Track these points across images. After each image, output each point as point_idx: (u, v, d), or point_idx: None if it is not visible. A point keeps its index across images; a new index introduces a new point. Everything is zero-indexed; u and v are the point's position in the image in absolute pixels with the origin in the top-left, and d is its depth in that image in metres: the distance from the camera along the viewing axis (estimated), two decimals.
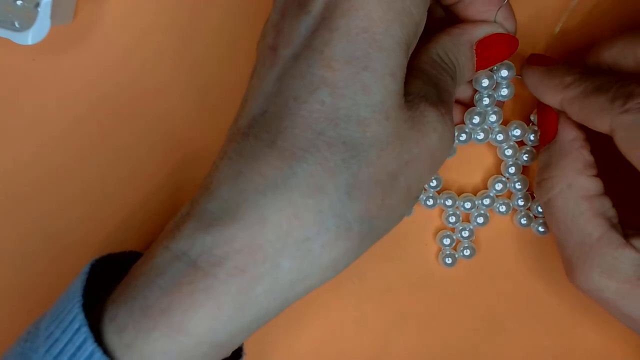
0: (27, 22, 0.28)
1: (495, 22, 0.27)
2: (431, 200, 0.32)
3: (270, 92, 0.23)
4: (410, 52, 0.24)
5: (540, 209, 0.32)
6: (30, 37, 0.28)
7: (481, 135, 0.31)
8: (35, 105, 0.31)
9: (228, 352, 0.24)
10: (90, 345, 0.21)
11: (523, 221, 0.32)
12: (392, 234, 0.31)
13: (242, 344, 0.26)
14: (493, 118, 0.31)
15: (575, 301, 0.32)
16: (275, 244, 0.22)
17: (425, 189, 0.32)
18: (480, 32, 0.27)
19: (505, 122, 0.31)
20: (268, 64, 0.24)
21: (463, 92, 0.30)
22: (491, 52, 0.27)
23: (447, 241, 0.32)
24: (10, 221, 0.31)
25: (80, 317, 0.22)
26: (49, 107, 0.31)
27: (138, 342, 0.22)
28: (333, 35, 0.22)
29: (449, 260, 0.32)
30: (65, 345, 0.22)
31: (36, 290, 0.31)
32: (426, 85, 0.25)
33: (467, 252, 0.32)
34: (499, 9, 0.27)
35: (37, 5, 0.28)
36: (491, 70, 0.29)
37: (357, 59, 0.22)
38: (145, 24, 0.31)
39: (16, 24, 0.29)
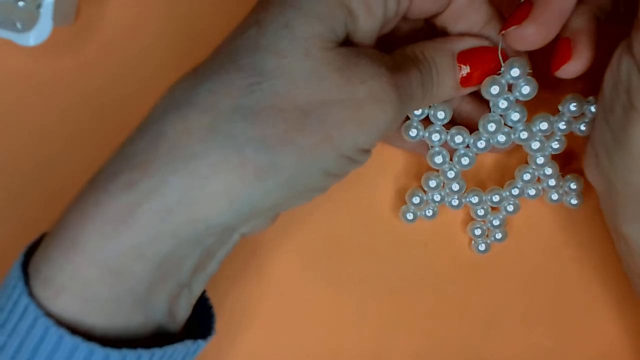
0: (29, 23, 0.28)
1: (483, 36, 0.26)
2: (456, 201, 0.30)
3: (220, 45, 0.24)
4: (365, 25, 0.24)
5: (573, 185, 0.30)
6: (32, 38, 0.28)
7: (503, 138, 0.28)
8: (37, 106, 0.31)
9: (133, 291, 0.22)
10: (33, 311, 0.21)
11: (554, 197, 0.30)
12: (417, 231, 0.31)
13: (213, 323, 0.25)
14: (515, 117, 0.27)
15: (588, 297, 0.32)
16: (166, 159, 0.21)
17: (449, 193, 0.30)
18: (464, 43, 0.26)
19: (529, 117, 0.28)
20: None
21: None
22: (473, 65, 0.26)
23: (478, 232, 0.31)
24: (10, 221, 0.31)
25: (21, 285, 0.22)
26: (51, 107, 0.31)
27: (44, 262, 0.22)
28: None
29: (482, 247, 0.31)
30: (10, 314, 0.22)
31: None
32: (381, 56, 0.24)
33: (498, 236, 0.31)
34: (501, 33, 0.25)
35: (39, 6, 0.28)
36: (499, 74, 0.26)
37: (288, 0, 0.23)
38: (146, 24, 0.30)
39: (18, 25, 0.29)
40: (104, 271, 0.21)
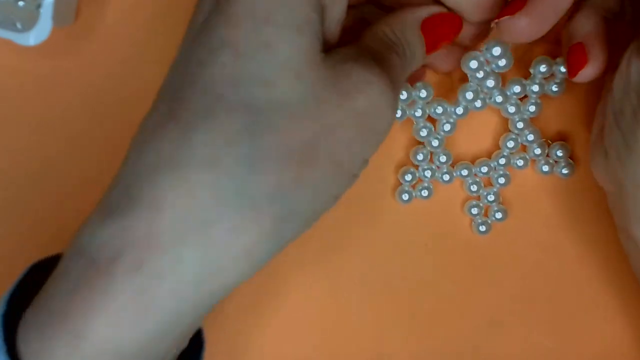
0: (29, 23, 0.28)
1: (438, 3, 0.26)
2: (447, 176, 0.31)
3: (178, 61, 0.22)
4: (332, 13, 0.22)
5: (559, 153, 0.30)
6: (32, 38, 0.28)
7: (479, 103, 0.29)
8: (37, 106, 0.31)
9: None
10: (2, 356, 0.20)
11: (545, 169, 0.31)
12: (420, 224, 0.31)
13: (203, 338, 0.25)
14: (490, 84, 0.29)
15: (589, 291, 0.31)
16: (174, 231, 0.19)
17: (437, 167, 0.31)
18: (425, 11, 0.25)
19: (504, 82, 0.30)
20: (186, 34, 0.22)
21: None
22: (438, 31, 0.25)
23: (475, 210, 0.31)
24: (10, 222, 0.31)
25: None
26: (51, 108, 0.31)
27: (43, 351, 0.20)
28: None
29: (483, 228, 0.32)
30: None
31: None
32: (363, 52, 0.23)
33: (498, 215, 0.32)
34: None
35: (39, 6, 0.28)
36: (480, 51, 0.28)
37: (257, 14, 0.20)
38: (147, 25, 0.30)
39: (18, 25, 0.29)
40: (117, 359, 0.20)
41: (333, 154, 0.21)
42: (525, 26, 0.24)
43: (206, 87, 0.20)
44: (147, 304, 0.19)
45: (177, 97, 0.20)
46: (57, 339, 0.20)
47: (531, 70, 0.29)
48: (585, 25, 0.26)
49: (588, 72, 0.26)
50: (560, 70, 0.29)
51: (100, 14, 0.30)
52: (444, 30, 0.26)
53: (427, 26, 0.25)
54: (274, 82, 0.20)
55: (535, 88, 0.29)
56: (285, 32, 0.20)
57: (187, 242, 0.19)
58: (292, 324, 0.32)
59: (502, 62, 0.28)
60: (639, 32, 0.24)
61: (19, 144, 0.31)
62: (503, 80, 0.30)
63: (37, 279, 0.22)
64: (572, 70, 0.26)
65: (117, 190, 0.20)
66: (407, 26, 0.25)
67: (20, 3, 0.29)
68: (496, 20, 0.25)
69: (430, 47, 0.26)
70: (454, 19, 0.26)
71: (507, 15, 0.24)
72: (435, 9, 0.26)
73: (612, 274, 0.31)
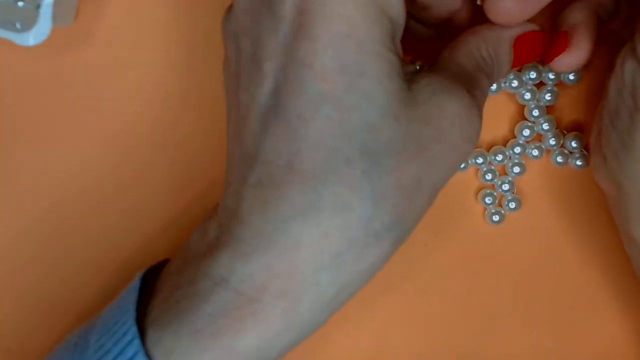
0: (29, 23, 0.28)
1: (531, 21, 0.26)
2: (462, 164, 0.31)
3: (268, 109, 0.23)
4: (398, 50, 0.23)
5: (574, 144, 0.31)
6: (32, 38, 0.28)
7: (494, 86, 0.30)
8: (36, 105, 0.31)
9: None
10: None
11: (559, 159, 0.31)
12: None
13: None
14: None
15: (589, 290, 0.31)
16: (311, 264, 0.22)
17: None
18: (521, 28, 0.26)
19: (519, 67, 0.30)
20: (256, 79, 0.23)
21: None
22: (527, 48, 0.27)
23: (489, 200, 0.31)
24: (11, 222, 0.31)
25: (133, 330, 0.23)
26: (50, 107, 0.31)
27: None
28: (316, 45, 0.21)
29: (496, 218, 0.32)
30: (116, 357, 0.23)
31: (37, 291, 0.31)
32: (455, 77, 0.24)
33: (512, 205, 0.31)
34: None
35: (39, 6, 0.28)
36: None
37: (349, 68, 0.22)
38: (146, 25, 0.31)
39: (17, 25, 0.29)
40: None
41: (432, 182, 0.23)
42: (511, 7, 0.25)
43: (318, 141, 0.22)
44: (291, 321, 0.23)
45: (290, 151, 0.22)
46: (207, 353, 0.22)
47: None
48: (575, 16, 0.27)
49: (567, 60, 0.26)
50: None
51: (99, 14, 0.30)
52: (534, 48, 0.27)
53: (519, 43, 0.26)
54: (378, 127, 0.22)
55: (552, 75, 0.30)
56: (377, 80, 0.22)
57: (322, 270, 0.22)
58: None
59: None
60: (633, 32, 0.24)
61: (18, 144, 0.31)
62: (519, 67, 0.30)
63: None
64: (550, 55, 0.27)
65: (248, 232, 0.23)
66: (501, 43, 0.26)
67: (20, 3, 0.29)
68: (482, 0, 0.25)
69: (516, 64, 0.27)
70: (544, 36, 0.27)
71: None
72: (529, 26, 0.27)
73: (613, 274, 0.31)
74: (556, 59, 0.27)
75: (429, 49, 0.29)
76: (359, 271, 0.23)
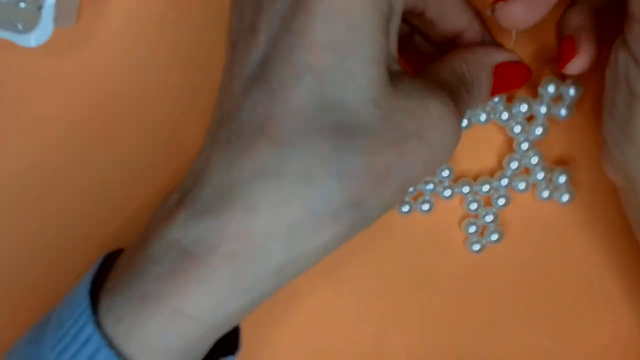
0: (30, 24, 0.28)
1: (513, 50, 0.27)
2: (449, 191, 0.31)
3: (254, 75, 0.23)
4: (393, 37, 0.24)
5: (561, 179, 0.30)
6: (33, 39, 0.28)
7: (483, 117, 0.30)
8: (38, 107, 0.31)
9: (225, 331, 0.24)
10: (96, 341, 0.22)
11: (544, 195, 0.31)
12: (417, 235, 0.31)
13: (239, 339, 0.27)
14: (496, 98, 0.29)
15: (581, 296, 0.31)
16: (266, 229, 0.22)
17: (440, 181, 0.31)
18: (502, 56, 0.27)
19: (510, 99, 0.30)
20: (248, 48, 0.23)
21: None
22: (506, 77, 0.27)
23: (472, 229, 0.31)
24: (12, 222, 0.31)
25: (86, 302, 0.23)
26: (51, 109, 0.31)
27: (137, 328, 0.22)
28: (310, 18, 0.22)
29: (476, 247, 0.31)
30: (70, 327, 0.23)
31: (38, 291, 0.31)
32: (439, 85, 0.24)
33: (494, 237, 0.31)
34: (514, 36, 0.28)
35: (40, 7, 0.28)
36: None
37: (339, 44, 0.22)
38: (147, 26, 0.31)
39: (19, 26, 0.29)
40: (208, 332, 0.23)
41: (403, 176, 0.23)
42: (519, 11, 0.25)
43: (295, 109, 0.22)
44: (237, 286, 0.23)
45: (266, 114, 0.22)
46: (156, 315, 0.22)
47: (540, 90, 0.30)
48: (576, 19, 0.27)
49: (577, 65, 0.27)
50: (569, 92, 0.29)
51: (101, 15, 0.31)
52: (514, 79, 0.28)
53: (499, 71, 0.27)
54: (357, 109, 0.22)
55: (543, 109, 0.30)
56: (364, 63, 0.22)
57: (275, 238, 0.22)
58: (291, 324, 0.31)
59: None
60: (625, 24, 0.24)
61: (19, 144, 0.31)
62: (510, 97, 0.30)
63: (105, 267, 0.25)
64: (562, 62, 0.27)
65: (207, 192, 0.23)
66: (482, 66, 0.27)
67: (22, 4, 0.29)
68: (492, 7, 0.26)
69: (495, 92, 0.27)
70: (525, 70, 0.28)
71: (501, 1, 0.25)
72: (511, 56, 0.27)
73: (613, 274, 0.31)
74: (568, 65, 0.27)
75: (418, 63, 0.30)
76: (312, 246, 0.23)
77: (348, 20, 0.22)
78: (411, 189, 0.31)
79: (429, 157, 0.24)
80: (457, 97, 0.25)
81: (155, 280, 0.23)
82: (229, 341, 0.26)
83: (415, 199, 0.31)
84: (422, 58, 0.29)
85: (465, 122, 0.30)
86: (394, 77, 0.24)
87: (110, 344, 0.22)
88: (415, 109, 0.23)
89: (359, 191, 0.22)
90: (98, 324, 0.23)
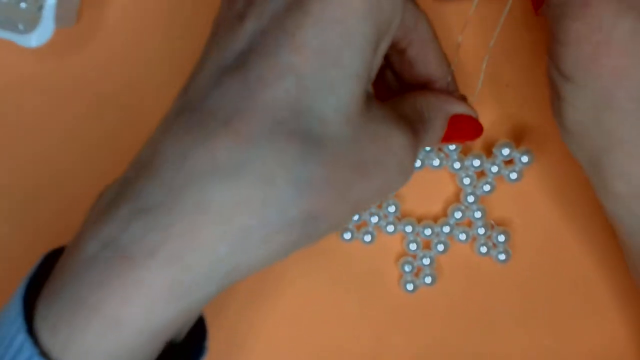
0: (31, 24, 0.28)
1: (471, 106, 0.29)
2: (392, 227, 0.32)
3: (230, 65, 0.22)
4: (378, 58, 0.24)
5: (500, 238, 0.31)
6: (34, 39, 0.28)
7: (436, 162, 0.31)
8: (38, 106, 0.31)
9: (170, 336, 0.23)
10: (29, 349, 0.21)
11: (482, 250, 0.32)
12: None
13: (206, 341, 0.26)
14: (452, 146, 0.30)
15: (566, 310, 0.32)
16: (215, 231, 0.21)
17: (385, 215, 0.32)
18: (461, 108, 0.28)
19: (466, 151, 0.31)
20: (232, 35, 0.22)
21: None
22: (459, 128, 0.28)
23: (408, 268, 0.32)
24: (12, 221, 0.31)
25: (18, 308, 0.22)
26: (52, 108, 0.31)
27: (73, 340, 0.21)
28: (306, 19, 0.21)
29: (410, 287, 0.32)
30: (7, 347, 0.22)
31: None
32: (402, 117, 0.25)
33: (428, 280, 0.32)
34: (450, 72, 0.29)
35: (41, 8, 0.28)
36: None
37: (328, 52, 0.21)
38: (148, 26, 0.31)
39: (20, 27, 0.29)
40: (150, 338, 0.22)
41: (358, 197, 0.23)
42: None
43: (267, 108, 0.21)
44: (179, 292, 0.21)
45: (236, 108, 0.21)
46: (92, 325, 0.21)
47: (494, 150, 0.31)
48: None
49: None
50: (521, 159, 0.31)
51: (101, 15, 0.31)
52: (464, 132, 0.28)
53: (454, 121, 0.28)
54: (329, 121, 0.22)
55: (495, 169, 0.31)
56: (347, 76, 0.22)
57: (224, 242, 0.21)
58: (291, 324, 0.32)
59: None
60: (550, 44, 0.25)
61: (20, 145, 0.31)
62: (467, 150, 0.31)
63: (46, 270, 0.23)
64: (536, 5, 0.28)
65: (155, 186, 0.21)
66: (440, 112, 0.27)
67: (22, 4, 0.29)
68: None
69: (446, 139, 0.28)
70: (477, 126, 0.29)
71: None
72: (468, 111, 0.28)
73: (612, 274, 0.32)
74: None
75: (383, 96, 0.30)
76: (260, 253, 0.22)
77: (343, 29, 0.21)
78: (356, 217, 0.32)
79: (384, 184, 0.24)
80: (415, 132, 0.25)
81: (89, 286, 0.21)
82: (196, 343, 0.25)
83: (359, 228, 0.32)
84: (387, 93, 0.30)
85: (418, 163, 0.31)
86: (366, 99, 0.23)
87: (47, 355, 0.21)
88: (379, 135, 0.23)
89: (316, 204, 0.22)
90: (32, 332, 0.21)
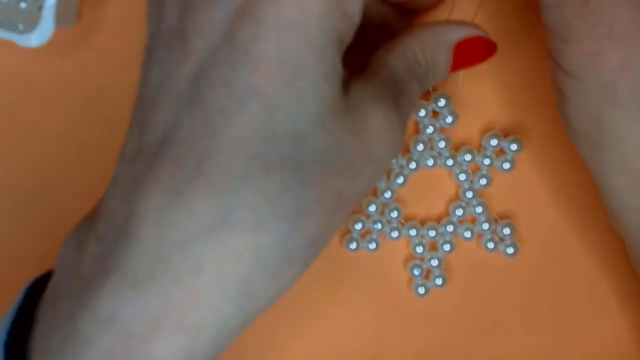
0: (31, 24, 0.28)
1: (475, 24, 0.26)
2: (396, 232, 0.32)
3: (185, 98, 0.20)
4: (342, 51, 0.22)
5: (505, 231, 0.31)
6: (34, 39, 0.28)
7: (431, 162, 0.31)
8: (38, 107, 0.31)
9: None
10: None
11: (489, 245, 0.32)
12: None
13: None
14: (442, 144, 0.31)
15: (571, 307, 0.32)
16: (215, 290, 0.20)
17: (388, 221, 0.32)
18: (463, 32, 0.25)
19: (457, 147, 0.32)
20: (176, 57, 0.20)
21: None
22: (469, 53, 0.26)
23: (417, 271, 0.32)
24: (11, 221, 0.32)
25: None
26: (52, 108, 0.31)
27: None
28: (260, 28, 0.19)
29: (421, 290, 0.32)
30: None
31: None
32: (384, 84, 0.23)
33: (439, 281, 0.32)
34: (478, 9, 0.27)
35: (41, 7, 0.28)
36: (427, 100, 0.30)
37: (289, 62, 0.19)
38: None
39: (20, 27, 0.29)
40: None
41: (352, 199, 0.22)
42: None
43: (237, 144, 0.19)
44: (192, 353, 0.20)
45: (203, 152, 0.19)
46: None
47: (482, 143, 0.31)
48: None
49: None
50: (510, 147, 0.31)
51: (102, 15, 0.31)
52: (477, 56, 0.26)
53: (460, 49, 0.25)
54: (304, 135, 0.20)
55: (487, 161, 0.31)
56: (315, 82, 0.20)
57: (227, 297, 0.20)
58: (291, 324, 0.32)
59: (449, 119, 0.30)
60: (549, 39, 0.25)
61: (19, 145, 0.31)
62: (456, 147, 0.32)
63: (34, 298, 0.22)
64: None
65: (140, 255, 0.20)
66: (439, 48, 0.25)
67: (22, 4, 0.29)
68: None
69: (456, 68, 0.26)
70: (489, 44, 0.26)
71: None
72: (472, 31, 0.26)
73: (612, 274, 0.31)
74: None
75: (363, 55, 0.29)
76: (267, 296, 0.21)
77: (303, 34, 0.19)
78: (360, 226, 0.32)
79: (375, 172, 0.23)
80: (404, 93, 0.23)
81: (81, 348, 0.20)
82: None
83: (364, 236, 0.33)
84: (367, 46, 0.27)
85: (413, 165, 0.31)
86: (341, 86, 0.21)
87: None
88: (359, 124, 0.21)
89: (312, 229, 0.21)
90: None
